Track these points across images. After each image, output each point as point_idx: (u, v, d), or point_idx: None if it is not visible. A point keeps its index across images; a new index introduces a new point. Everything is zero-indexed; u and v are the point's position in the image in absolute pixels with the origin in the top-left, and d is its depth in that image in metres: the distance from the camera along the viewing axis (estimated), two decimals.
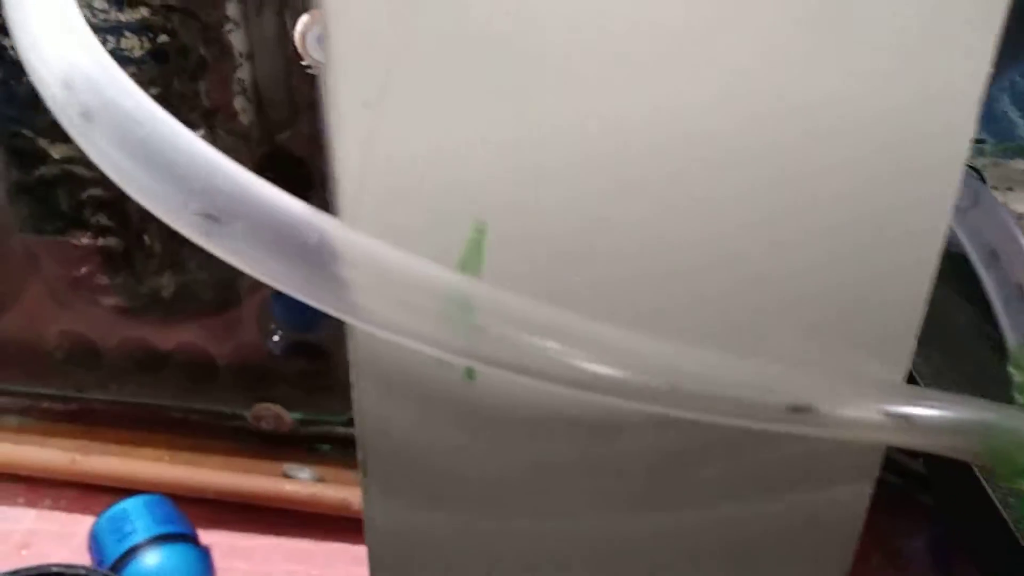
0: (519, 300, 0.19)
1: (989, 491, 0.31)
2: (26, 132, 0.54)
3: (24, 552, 0.55)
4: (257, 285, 0.59)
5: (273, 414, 0.59)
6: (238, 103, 0.54)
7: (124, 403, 0.61)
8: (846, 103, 0.19)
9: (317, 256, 0.18)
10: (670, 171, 0.20)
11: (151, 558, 0.48)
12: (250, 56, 0.52)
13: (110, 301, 0.59)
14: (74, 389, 0.61)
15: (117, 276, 0.58)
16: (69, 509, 0.58)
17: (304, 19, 0.51)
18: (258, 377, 0.60)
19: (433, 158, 0.20)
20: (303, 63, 0.52)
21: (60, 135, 0.54)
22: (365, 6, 0.18)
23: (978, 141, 0.53)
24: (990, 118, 0.55)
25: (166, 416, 0.60)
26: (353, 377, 0.22)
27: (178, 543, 0.49)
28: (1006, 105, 0.54)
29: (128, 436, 0.60)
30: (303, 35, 0.52)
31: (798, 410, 0.19)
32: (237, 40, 0.52)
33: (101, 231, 0.57)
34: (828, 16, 0.18)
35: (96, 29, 0.23)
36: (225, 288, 0.59)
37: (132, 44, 0.49)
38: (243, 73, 0.53)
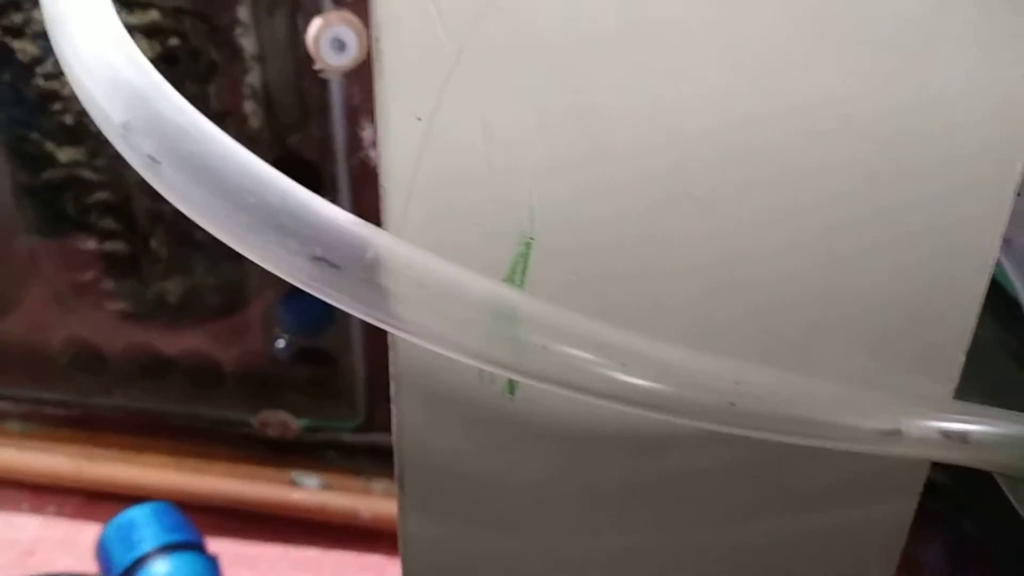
0: (566, 313, 0.19)
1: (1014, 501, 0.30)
2: (33, 135, 0.54)
3: (29, 560, 0.55)
4: (263, 290, 0.59)
5: (279, 421, 0.59)
6: (248, 106, 0.53)
7: (129, 409, 0.60)
8: (913, 114, 0.19)
9: (371, 270, 0.17)
10: (726, 188, 0.19)
11: (160, 567, 0.48)
12: (261, 59, 0.52)
13: (115, 306, 0.59)
14: (78, 394, 0.60)
15: (123, 281, 0.58)
16: (74, 516, 0.57)
17: (317, 22, 0.51)
18: (264, 383, 0.60)
19: (483, 172, 0.19)
20: (315, 67, 0.52)
21: (67, 138, 0.55)
22: (419, 18, 0.18)
23: None
24: None
25: (171, 422, 0.60)
26: (393, 391, 0.22)
27: (187, 552, 0.49)
28: None
29: (133, 442, 0.60)
30: (316, 38, 0.52)
31: (889, 434, 0.19)
32: (248, 43, 0.52)
33: (107, 235, 0.56)
34: (905, 39, 0.18)
35: None
36: (231, 293, 0.59)
37: (142, 47, 0.49)
38: (253, 76, 0.53)
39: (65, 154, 0.54)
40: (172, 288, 0.59)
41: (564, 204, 0.20)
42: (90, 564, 0.51)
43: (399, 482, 0.23)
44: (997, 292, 0.38)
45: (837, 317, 0.21)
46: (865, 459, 0.22)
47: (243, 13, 0.51)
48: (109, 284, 0.58)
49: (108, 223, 0.56)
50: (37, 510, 0.58)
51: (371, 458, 0.58)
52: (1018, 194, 0.20)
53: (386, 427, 0.23)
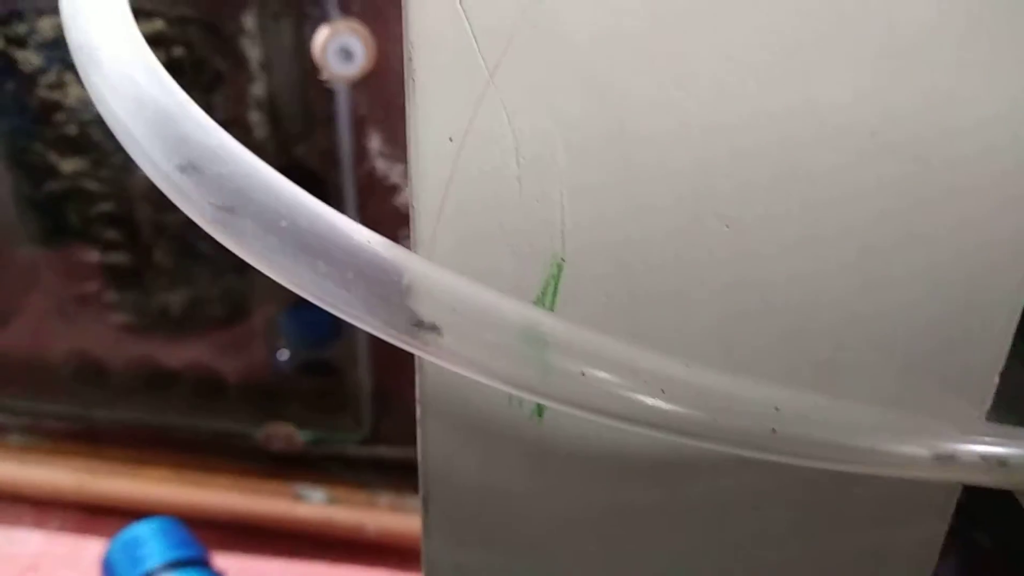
0: (601, 337, 0.19)
1: None
2: (36, 146, 0.53)
3: None
4: (267, 301, 0.59)
5: (284, 433, 0.58)
6: (253, 116, 0.53)
7: (131, 422, 0.59)
8: (949, 137, 0.18)
9: (405, 295, 0.17)
10: (759, 211, 0.19)
11: None
12: (266, 68, 0.52)
13: (118, 318, 0.58)
14: (80, 407, 0.59)
15: (125, 292, 0.57)
16: (77, 531, 0.57)
17: (323, 31, 0.50)
18: (268, 396, 0.59)
19: (514, 193, 0.19)
20: (321, 76, 0.51)
21: (70, 149, 0.55)
22: (453, 35, 0.17)
23: None
24: None
25: (174, 436, 0.59)
26: (419, 414, 0.22)
27: (193, 568, 0.48)
28: None
29: (135, 456, 0.59)
30: (323, 48, 0.51)
31: (932, 459, 0.18)
32: (253, 52, 0.51)
33: (110, 246, 0.56)
34: (941, 56, 0.18)
35: None
36: (234, 305, 0.59)
37: None
38: (259, 86, 0.52)
39: (68, 165, 0.54)
40: (175, 300, 0.58)
41: (595, 226, 0.20)
42: None
43: (424, 505, 0.23)
44: None
45: (869, 340, 0.20)
46: (898, 482, 0.21)
47: (249, 22, 0.51)
48: (112, 296, 0.58)
49: (111, 234, 0.56)
50: (39, 525, 0.57)
51: (376, 471, 0.58)
52: None
53: (391, 440, 0.22)
